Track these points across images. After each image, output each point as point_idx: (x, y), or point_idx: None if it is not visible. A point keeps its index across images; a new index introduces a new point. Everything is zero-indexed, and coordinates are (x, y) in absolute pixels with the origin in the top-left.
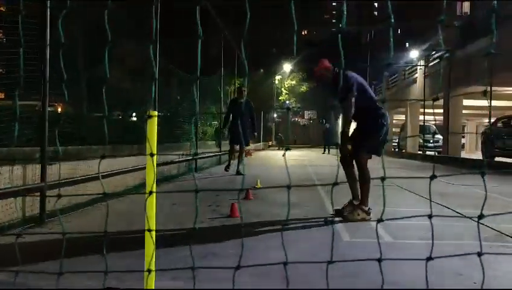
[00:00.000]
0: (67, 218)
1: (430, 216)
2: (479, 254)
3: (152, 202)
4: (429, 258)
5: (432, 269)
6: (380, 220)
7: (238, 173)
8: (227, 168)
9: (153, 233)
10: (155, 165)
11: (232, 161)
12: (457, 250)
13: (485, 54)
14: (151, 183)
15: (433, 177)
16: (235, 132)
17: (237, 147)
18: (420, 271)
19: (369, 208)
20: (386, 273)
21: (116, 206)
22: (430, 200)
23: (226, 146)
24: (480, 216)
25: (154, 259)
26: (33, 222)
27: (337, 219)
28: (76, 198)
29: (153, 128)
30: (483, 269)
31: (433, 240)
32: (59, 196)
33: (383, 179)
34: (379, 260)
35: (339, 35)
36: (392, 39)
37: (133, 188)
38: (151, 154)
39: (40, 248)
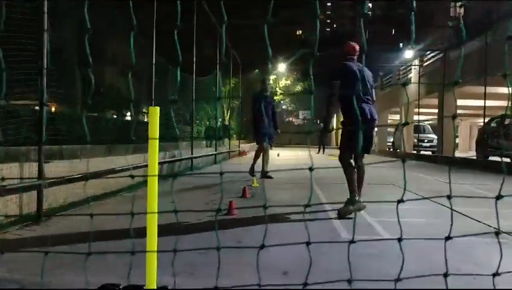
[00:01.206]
0: (64, 217)
1: (449, 197)
2: (497, 233)
3: (154, 185)
4: (448, 238)
5: (430, 264)
6: (400, 201)
7: (266, 176)
8: (253, 172)
9: (155, 216)
10: (157, 149)
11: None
12: (452, 246)
13: (507, 37)
14: (153, 166)
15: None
16: (265, 130)
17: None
18: (421, 267)
19: (361, 201)
20: (387, 268)
21: (115, 206)
22: (450, 182)
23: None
24: (498, 197)
25: (156, 242)
26: (30, 220)
27: (333, 216)
28: (71, 197)
29: (154, 118)
30: (501, 253)
31: (452, 220)
32: (87, 179)
33: (403, 160)
34: (399, 240)
35: (362, 19)
36: (413, 21)
37: (129, 187)
38: (153, 139)
39: (38, 245)
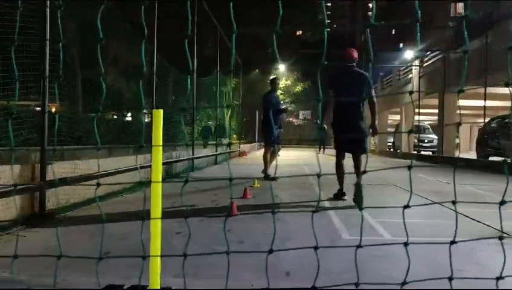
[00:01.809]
0: (65, 217)
1: (454, 202)
2: (500, 238)
3: (158, 191)
4: (453, 242)
5: (433, 265)
6: (406, 206)
7: (270, 178)
8: (268, 176)
9: (159, 222)
10: (161, 156)
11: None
12: (454, 247)
13: (508, 47)
14: (157, 172)
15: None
16: (273, 137)
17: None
18: (424, 268)
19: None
20: (389, 269)
21: (117, 207)
22: (454, 184)
23: (213, 147)
24: (502, 202)
25: (160, 247)
26: (33, 221)
27: (332, 211)
28: (73, 198)
29: (158, 122)
30: (504, 257)
31: (457, 224)
32: (98, 185)
33: (409, 167)
34: (405, 244)
35: (367, 30)
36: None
37: (131, 188)
38: (157, 146)
39: (40, 246)
